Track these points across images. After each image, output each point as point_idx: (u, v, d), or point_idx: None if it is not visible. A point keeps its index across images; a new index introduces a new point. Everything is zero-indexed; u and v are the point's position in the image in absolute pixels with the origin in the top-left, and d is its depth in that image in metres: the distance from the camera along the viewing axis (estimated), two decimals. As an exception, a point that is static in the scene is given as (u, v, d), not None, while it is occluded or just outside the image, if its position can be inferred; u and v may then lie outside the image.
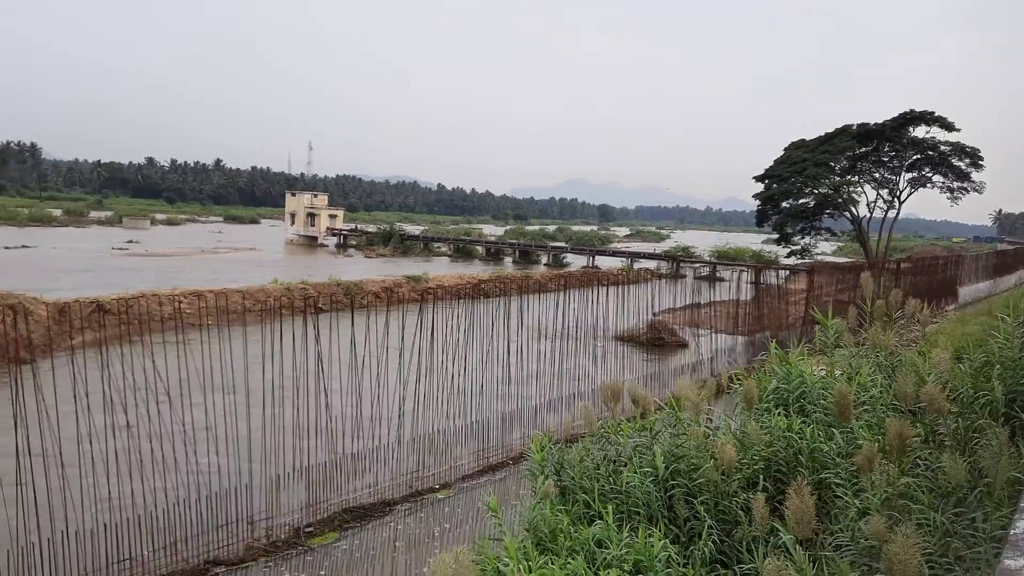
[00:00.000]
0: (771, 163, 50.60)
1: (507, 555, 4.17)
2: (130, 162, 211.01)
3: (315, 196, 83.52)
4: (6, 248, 52.41)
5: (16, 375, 9.01)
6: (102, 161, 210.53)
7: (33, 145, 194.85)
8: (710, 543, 4.46)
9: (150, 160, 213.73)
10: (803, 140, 50.50)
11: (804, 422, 5.41)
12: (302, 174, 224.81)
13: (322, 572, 9.19)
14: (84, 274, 38.48)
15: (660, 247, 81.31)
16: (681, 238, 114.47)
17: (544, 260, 65.89)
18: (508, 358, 14.65)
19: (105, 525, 8.66)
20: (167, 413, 10.24)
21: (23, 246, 54.78)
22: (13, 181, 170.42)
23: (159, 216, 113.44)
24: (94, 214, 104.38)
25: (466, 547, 3.88)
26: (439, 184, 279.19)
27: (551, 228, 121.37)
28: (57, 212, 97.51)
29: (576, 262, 63.06)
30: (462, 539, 9.85)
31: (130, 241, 65.23)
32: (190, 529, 9.26)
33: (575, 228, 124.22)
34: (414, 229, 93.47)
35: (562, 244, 77.29)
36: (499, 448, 13.37)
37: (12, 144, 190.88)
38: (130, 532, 8.77)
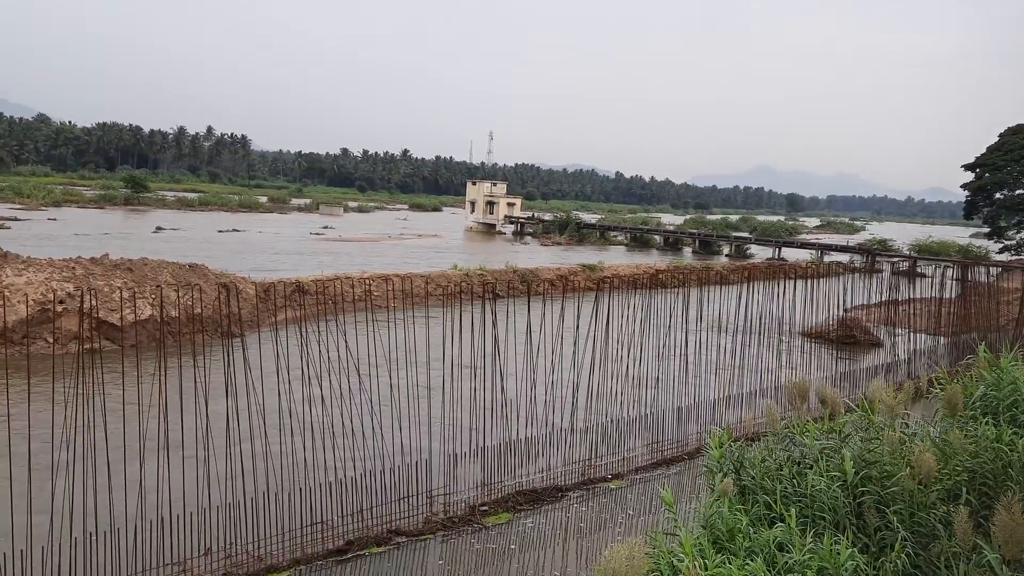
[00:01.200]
0: (983, 151, 46.18)
1: (682, 551, 4.13)
2: (327, 152, 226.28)
3: (494, 185, 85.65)
4: (219, 232, 57.85)
5: (227, 348, 9.98)
6: (302, 152, 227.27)
7: (244, 137, 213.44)
8: (903, 556, 4.19)
9: (344, 151, 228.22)
10: (1021, 126, 45.64)
11: (1016, 433, 4.94)
12: (483, 163, 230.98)
13: (496, 550, 9.50)
14: (286, 256, 41.80)
15: (853, 239, 76.39)
16: (877, 230, 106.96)
17: (726, 251, 63.89)
18: (685, 350, 14.38)
19: (300, 489, 9.40)
20: (356, 388, 10.93)
21: (234, 230, 60.22)
22: (226, 170, 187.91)
23: (351, 203, 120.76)
24: (295, 201, 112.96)
25: (639, 539, 3.88)
26: (616, 172, 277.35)
27: (734, 218, 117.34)
28: (263, 199, 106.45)
29: (760, 254, 60.63)
30: (633, 531, 9.82)
31: (325, 227, 69.98)
32: (375, 498, 9.85)
33: (760, 218, 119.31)
34: (590, 218, 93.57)
35: (746, 234, 74.57)
36: (674, 442, 13.18)
37: (226, 136, 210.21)
38: (322, 498, 9.47)
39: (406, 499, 10.10)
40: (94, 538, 7.72)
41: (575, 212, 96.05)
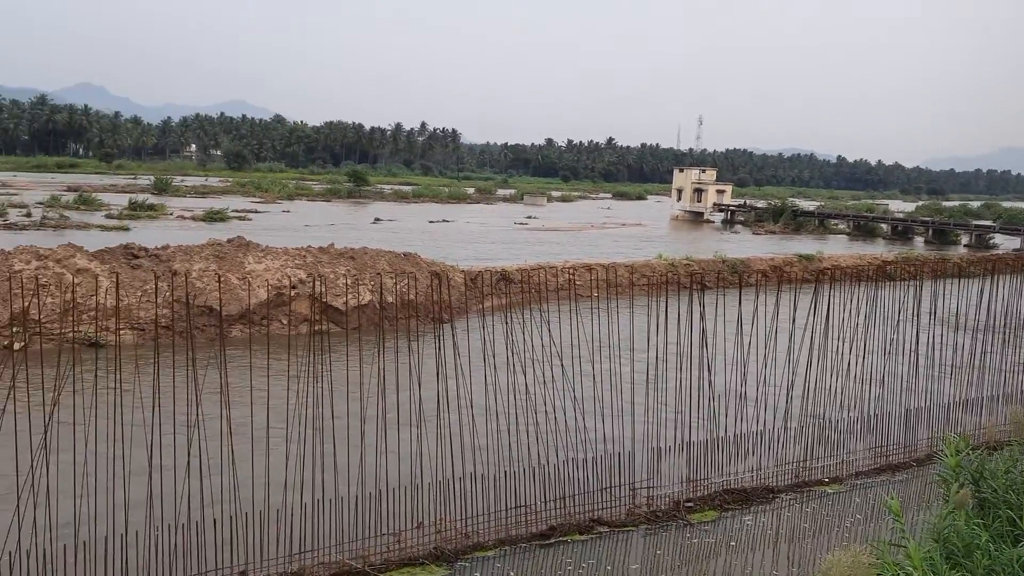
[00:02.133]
0: None
1: (910, 564, 3.84)
2: (532, 143, 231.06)
3: (703, 171, 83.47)
4: (430, 222, 61.00)
5: (438, 333, 10.55)
6: (508, 143, 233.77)
7: (454, 131, 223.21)
8: None
9: (549, 141, 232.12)
10: None
11: None
12: (690, 149, 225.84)
13: (701, 548, 9.33)
14: (491, 245, 43.33)
15: None
16: None
17: (964, 241, 58.15)
18: (916, 348, 13.29)
19: (505, 473, 9.74)
20: (559, 376, 11.14)
21: (443, 220, 63.25)
22: (437, 163, 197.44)
23: (554, 193, 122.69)
24: (500, 192, 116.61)
25: (862, 547, 3.66)
26: (838, 156, 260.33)
27: (974, 204, 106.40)
28: (471, 190, 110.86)
29: (1006, 244, 54.58)
30: (852, 539, 9.25)
31: (529, 216, 71.66)
32: (577, 487, 10.01)
33: (1006, 204, 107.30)
34: (808, 205, 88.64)
35: (988, 223, 67.31)
36: (900, 447, 12.24)
37: (438, 131, 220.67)
38: (526, 482, 9.76)
39: (608, 490, 10.16)
40: (322, 506, 8.46)
41: (791, 199, 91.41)
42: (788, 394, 11.90)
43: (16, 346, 15.81)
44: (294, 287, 20.02)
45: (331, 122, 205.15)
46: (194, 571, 7.72)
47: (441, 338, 10.23)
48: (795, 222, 67.14)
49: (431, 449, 9.70)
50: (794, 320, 11.69)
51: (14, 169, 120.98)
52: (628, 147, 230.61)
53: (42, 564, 7.08)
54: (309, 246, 22.87)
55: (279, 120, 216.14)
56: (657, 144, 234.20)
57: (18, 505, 7.26)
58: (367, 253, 22.87)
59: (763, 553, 9.29)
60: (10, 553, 6.98)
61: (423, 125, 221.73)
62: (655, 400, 11.02)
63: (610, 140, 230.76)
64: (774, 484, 10.99)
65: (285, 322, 19.68)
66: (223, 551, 7.92)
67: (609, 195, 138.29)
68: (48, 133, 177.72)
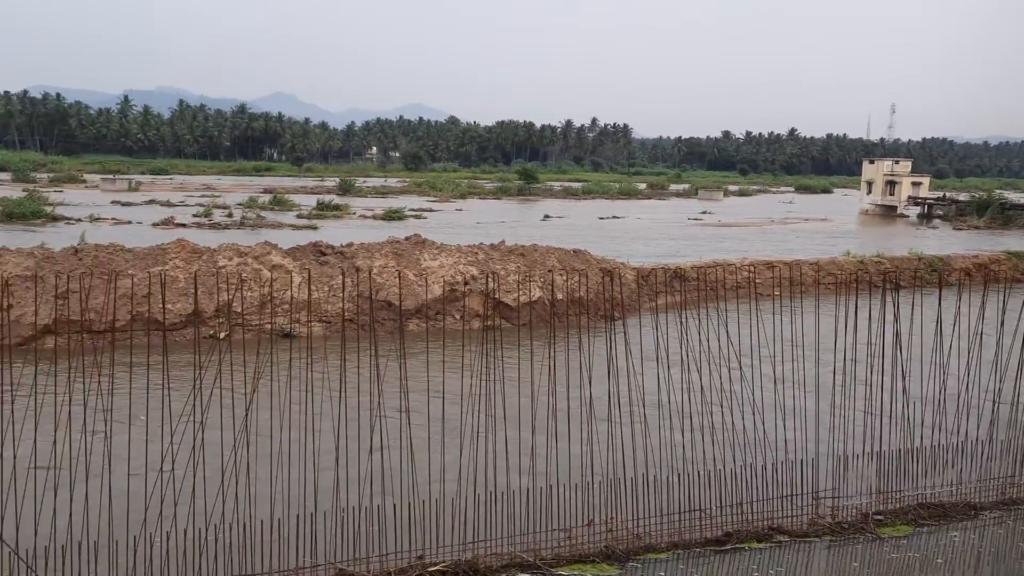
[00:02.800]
0: None
1: None
2: (707, 136, 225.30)
3: (896, 162, 78.10)
4: (600, 219, 60.95)
5: (609, 331, 10.54)
6: (682, 137, 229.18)
7: (625, 126, 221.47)
8: None
9: (726, 133, 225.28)
10: None
11: None
12: (882, 139, 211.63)
13: (892, 565, 8.77)
14: (664, 242, 42.69)
15: None
16: None
17: None
18: None
19: (679, 475, 9.59)
20: (737, 378, 10.82)
21: (613, 217, 63.01)
22: (608, 159, 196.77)
23: (731, 187, 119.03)
24: (673, 187, 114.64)
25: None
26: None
27: None
28: (642, 186, 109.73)
29: None
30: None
31: (704, 212, 69.93)
32: (755, 493, 9.68)
33: None
34: (1019, 197, 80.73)
35: None
36: None
37: (608, 126, 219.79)
38: (700, 486, 9.56)
39: (789, 498, 9.76)
40: (494, 498, 8.69)
41: (998, 191, 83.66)
42: (995, 404, 10.93)
43: (221, 335, 17.37)
44: (467, 283, 20.66)
45: (502, 121, 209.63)
46: (375, 552, 8.16)
47: (612, 336, 10.21)
48: (1003, 216, 61.31)
49: (602, 447, 9.72)
50: (1002, 323, 10.71)
51: (218, 173, 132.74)
52: (812, 138, 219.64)
53: (241, 539, 7.73)
54: (481, 243, 23.52)
55: (453, 121, 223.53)
56: (844, 134, 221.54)
57: (222, 481, 7.98)
58: (537, 250, 23.21)
59: (963, 573, 8.59)
60: (215, 526, 7.68)
61: (593, 121, 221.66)
62: (841, 405, 10.47)
63: (792, 131, 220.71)
64: (976, 500, 10.13)
65: (458, 317, 20.36)
66: (401, 535, 8.32)
67: (791, 188, 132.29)
68: (247, 139, 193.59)
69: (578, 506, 9.10)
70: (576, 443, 10.05)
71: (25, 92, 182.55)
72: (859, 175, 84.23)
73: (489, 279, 18.51)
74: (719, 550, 8.99)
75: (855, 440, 10.49)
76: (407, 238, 22.95)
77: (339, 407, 8.71)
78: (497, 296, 20.45)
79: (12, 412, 7.15)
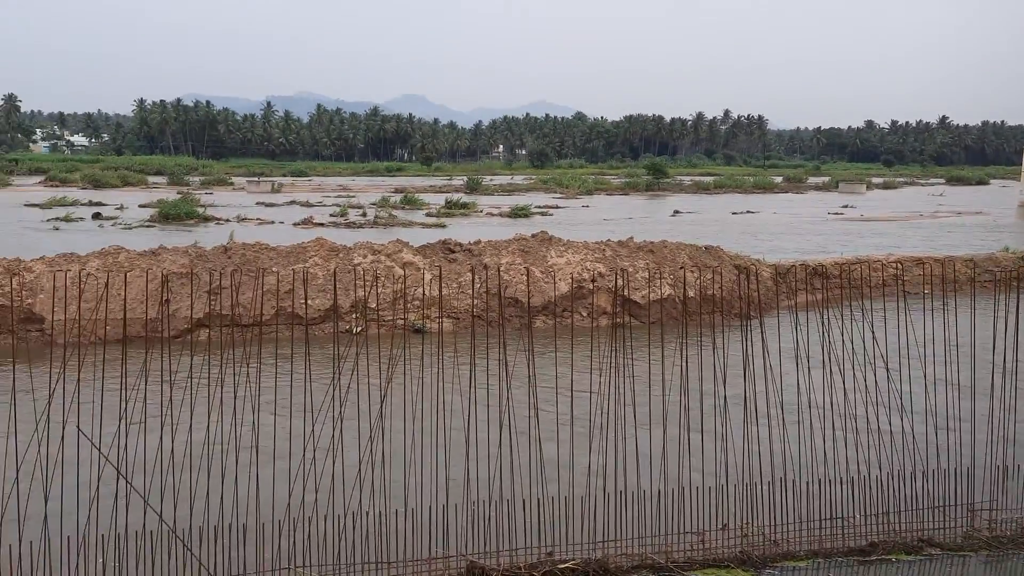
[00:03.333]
0: None
1: None
2: (848, 127, 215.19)
3: (1063, 149, 72.01)
4: (733, 214, 59.33)
5: (745, 330, 10.23)
6: (821, 128, 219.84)
7: (760, 117, 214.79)
8: None
9: (869, 123, 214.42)
10: None
11: None
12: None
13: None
14: (802, 237, 41.09)
15: None
16: None
17: None
18: None
19: (819, 481, 9.22)
20: (883, 380, 10.29)
21: (747, 211, 61.19)
22: (741, 152, 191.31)
23: (875, 179, 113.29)
24: (812, 180, 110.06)
25: None
26: None
27: None
28: (778, 179, 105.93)
29: None
30: None
31: (845, 205, 66.86)
32: (903, 503, 9.19)
33: None
34: None
35: None
36: None
37: (742, 118, 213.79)
38: (843, 493, 9.16)
39: (941, 508, 9.20)
40: (624, 498, 8.64)
41: None
42: None
43: (356, 330, 18.07)
44: (594, 280, 20.60)
45: (630, 116, 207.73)
46: (505, 547, 8.28)
47: (748, 335, 9.93)
48: None
49: (736, 450, 9.47)
50: None
51: (352, 174, 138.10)
52: (966, 126, 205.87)
53: (377, 527, 8.02)
54: (608, 240, 23.38)
55: (580, 117, 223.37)
56: (1002, 122, 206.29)
57: (359, 471, 8.30)
58: (667, 246, 22.86)
59: None
60: (353, 514, 8.00)
61: (726, 113, 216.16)
62: (1000, 412, 9.77)
63: (943, 119, 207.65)
64: None
65: (585, 314, 20.33)
66: (530, 531, 8.40)
67: (941, 180, 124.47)
68: (379, 141, 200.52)
69: (711, 509, 8.90)
70: (709, 445, 9.84)
71: (179, 100, 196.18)
72: (1019, 165, 78.27)
73: (617, 276, 18.39)
74: (864, 561, 8.57)
75: (1018, 449, 9.76)
76: (534, 235, 23.11)
77: (469, 402, 8.88)
78: (626, 293, 20.28)
79: (170, 400, 7.69)
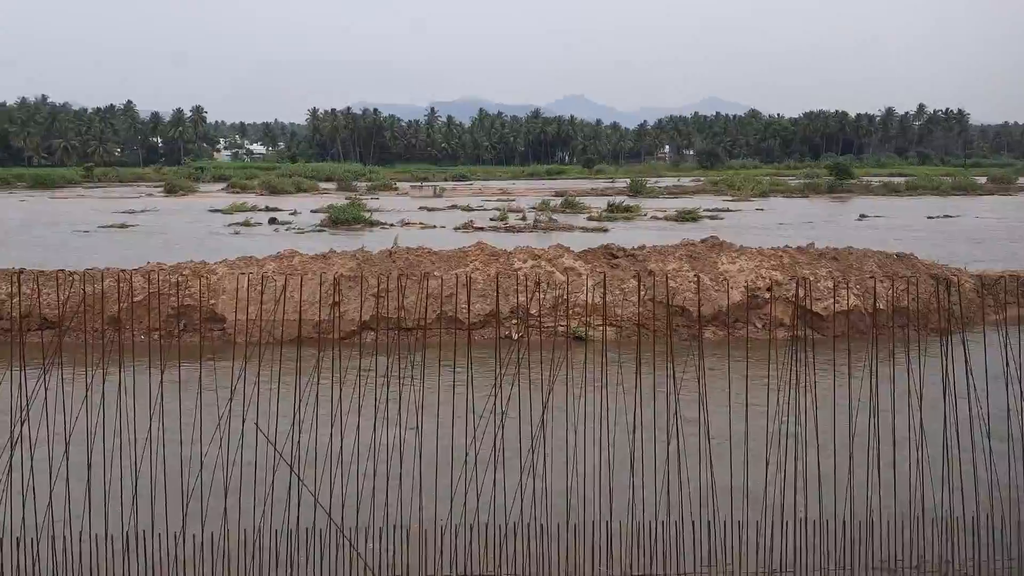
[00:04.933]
0: None
1: None
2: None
3: None
4: (928, 218, 55.58)
5: (945, 347, 9.52)
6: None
7: (960, 112, 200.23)
8: None
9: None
10: None
11: None
12: None
13: None
14: (1012, 244, 37.92)
15: None
16: None
17: None
18: None
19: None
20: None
21: (945, 215, 57.13)
22: (937, 149, 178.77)
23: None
24: (1022, 180, 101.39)
25: None
26: None
27: None
28: (981, 180, 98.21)
29: None
30: None
31: (1063, 209, 61.18)
32: None
33: None
34: None
35: None
36: None
37: (939, 113, 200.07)
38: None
39: None
40: (804, 525, 8.27)
41: None
42: None
43: (516, 336, 18.35)
44: (770, 289, 19.88)
45: (810, 112, 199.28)
46: (673, 569, 8.11)
47: (948, 352, 9.24)
48: None
49: (935, 480, 8.83)
50: None
51: (512, 177, 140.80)
52: None
53: (537, 537, 8.09)
54: (786, 246, 22.51)
55: (753, 114, 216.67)
56: None
57: (520, 481, 8.40)
58: (852, 253, 21.73)
59: None
60: (513, 524, 8.11)
61: (920, 108, 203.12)
62: None
63: None
64: None
65: (760, 326, 19.66)
66: (699, 554, 8.20)
67: None
68: (540, 143, 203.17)
69: (904, 544, 8.35)
70: (902, 472, 9.25)
71: (348, 108, 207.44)
72: None
73: (797, 285, 17.64)
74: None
75: None
76: (703, 241, 22.62)
77: (634, 416, 8.78)
78: (806, 304, 19.44)
79: (339, 400, 8.10)
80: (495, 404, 8.39)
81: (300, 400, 7.81)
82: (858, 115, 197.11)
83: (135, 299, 18.18)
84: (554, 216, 55.97)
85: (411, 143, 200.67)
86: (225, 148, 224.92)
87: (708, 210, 60.31)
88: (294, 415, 7.80)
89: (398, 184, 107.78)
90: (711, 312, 19.87)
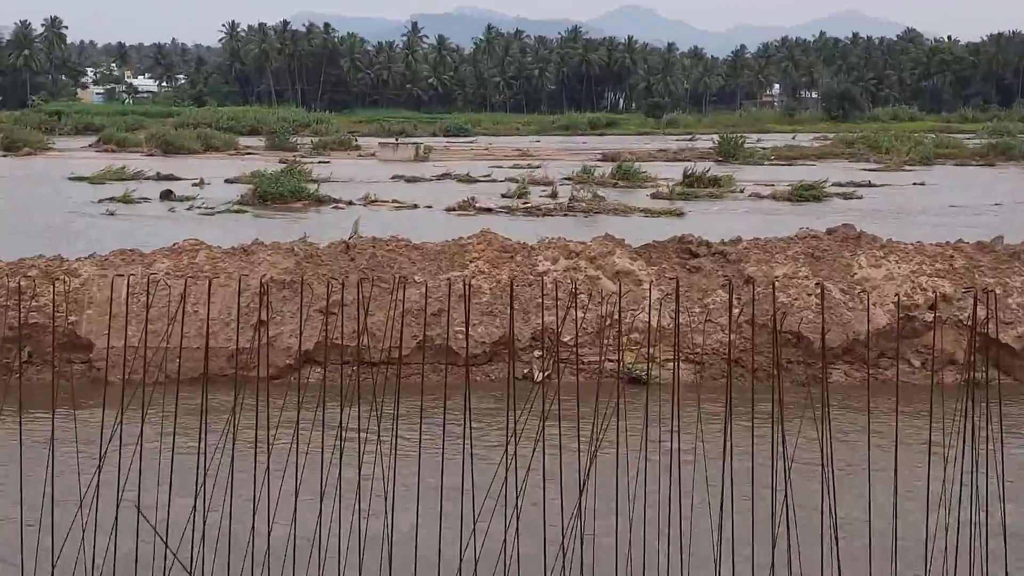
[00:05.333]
0: None
1: None
2: None
3: None
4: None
5: None
6: None
7: None
8: None
9: None
10: None
11: None
12: None
13: None
14: None
15: None
16: None
17: None
18: None
19: None
20: None
21: None
22: None
23: None
24: None
25: None
26: None
27: None
28: None
29: None
30: None
31: None
32: None
33: None
34: None
35: None
36: None
37: None
38: None
39: None
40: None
41: None
42: None
43: (539, 375, 18.33)
44: (933, 307, 19.79)
45: (998, 35, 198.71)
46: None
47: None
48: None
49: None
50: None
51: (537, 131, 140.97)
52: None
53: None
54: (959, 241, 22.43)
55: (910, 37, 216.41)
56: None
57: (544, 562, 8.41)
58: (1064, 254, 21.63)
59: None
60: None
61: None
62: None
63: None
64: None
65: (918, 364, 19.58)
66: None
67: None
68: (580, 80, 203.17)
69: None
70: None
71: (285, 24, 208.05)
72: None
73: (975, 301, 17.53)
74: None
75: None
76: (830, 231, 22.55)
77: (721, 494, 8.76)
78: (989, 330, 19.32)
79: (266, 473, 8.10)
80: (504, 485, 8.37)
81: (205, 471, 7.82)
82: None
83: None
84: (601, 191, 55.89)
85: (381, 78, 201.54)
86: (95, 83, 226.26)
87: (839, 184, 60.14)
88: (196, 494, 7.81)
89: (360, 140, 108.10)
90: (842, 342, 19.79)
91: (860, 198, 55.43)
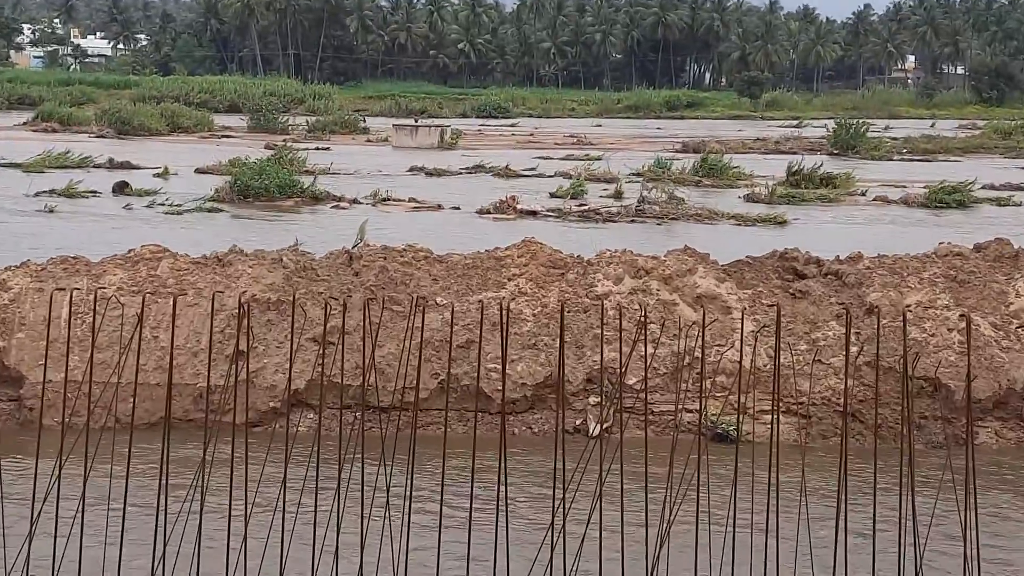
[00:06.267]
0: None
1: None
2: None
3: None
4: None
5: None
6: None
7: None
8: None
9: None
10: None
11: None
12: None
13: None
14: None
15: None
16: None
17: None
18: None
19: None
20: None
21: None
22: None
23: None
24: None
25: None
26: None
27: None
28: None
29: None
30: None
31: None
32: None
33: None
34: None
35: None
36: None
37: None
38: None
39: None
40: None
41: None
42: None
43: (595, 429, 18.28)
44: None
45: None
46: None
47: None
48: None
49: None
50: None
51: (598, 113, 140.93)
52: None
53: None
54: None
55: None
56: None
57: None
58: None
59: None
60: None
61: None
62: None
63: None
64: None
65: None
66: None
67: None
68: (653, 47, 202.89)
69: None
70: None
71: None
72: None
73: None
74: None
75: None
76: (978, 247, 22.42)
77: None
78: None
79: (243, 544, 8.13)
80: (550, 569, 8.37)
81: (165, 541, 7.86)
82: None
83: None
84: (679, 192, 55.74)
85: (397, 42, 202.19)
86: (33, 44, 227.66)
87: (991, 187, 59.83)
88: (153, 569, 7.85)
89: (369, 121, 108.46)
90: (993, 392, 19.66)
91: (1019, 205, 55.12)
